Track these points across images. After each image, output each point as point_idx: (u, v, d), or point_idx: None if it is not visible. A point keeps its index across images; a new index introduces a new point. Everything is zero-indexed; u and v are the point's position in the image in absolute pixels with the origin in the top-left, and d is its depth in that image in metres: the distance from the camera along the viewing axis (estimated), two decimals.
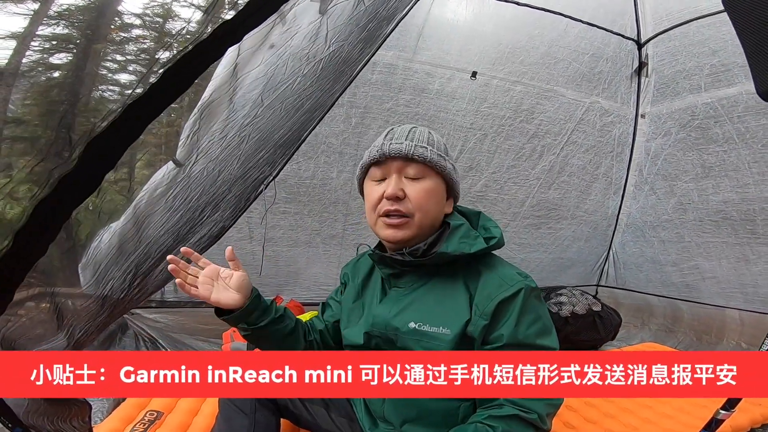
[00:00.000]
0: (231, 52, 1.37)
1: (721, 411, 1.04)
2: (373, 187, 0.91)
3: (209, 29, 0.71)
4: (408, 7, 1.55)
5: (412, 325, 0.87)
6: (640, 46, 2.28)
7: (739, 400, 1.04)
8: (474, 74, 2.12)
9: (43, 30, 0.84)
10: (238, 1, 0.73)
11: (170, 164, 1.50)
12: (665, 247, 2.52)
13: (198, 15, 0.81)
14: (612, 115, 2.42)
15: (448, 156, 0.93)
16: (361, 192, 0.99)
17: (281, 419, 1.04)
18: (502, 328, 0.82)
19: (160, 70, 0.69)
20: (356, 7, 1.42)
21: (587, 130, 2.42)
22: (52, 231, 0.67)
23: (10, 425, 0.77)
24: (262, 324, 0.94)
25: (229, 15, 0.73)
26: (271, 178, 1.97)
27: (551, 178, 2.52)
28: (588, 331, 2.27)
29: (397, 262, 0.90)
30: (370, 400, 0.99)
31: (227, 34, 0.72)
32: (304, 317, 1.91)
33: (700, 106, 2.16)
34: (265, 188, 1.97)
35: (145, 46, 0.88)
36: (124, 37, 0.87)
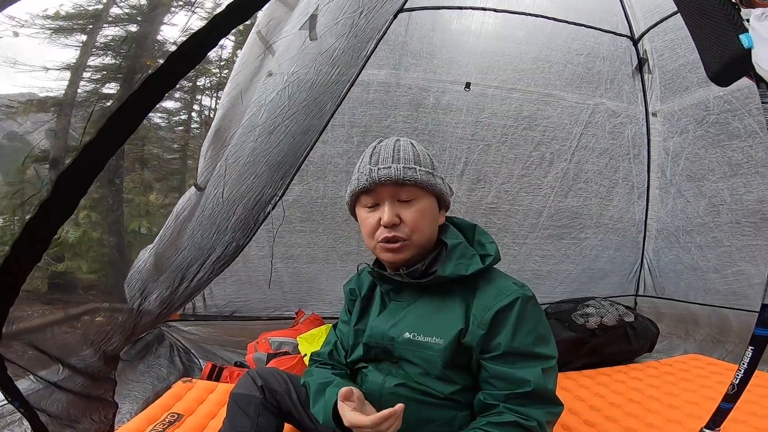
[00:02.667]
0: (232, 80, 1.57)
1: (705, 430, 0.98)
2: (367, 215, 0.91)
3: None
4: (383, 30, 1.66)
5: (406, 335, 0.89)
6: (635, 42, 2.17)
7: (724, 418, 0.97)
8: (468, 85, 2.16)
9: (93, 60, 0.91)
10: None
11: (193, 188, 1.71)
12: (703, 253, 2.31)
13: (230, 44, 0.86)
14: (621, 115, 2.30)
15: (435, 169, 0.92)
16: (353, 215, 0.99)
17: (285, 423, 1.07)
18: (500, 336, 0.83)
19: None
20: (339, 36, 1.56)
21: (597, 134, 2.32)
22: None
23: (9, 399, 0.91)
24: None
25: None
26: (278, 198, 2.15)
27: (566, 186, 2.43)
28: (619, 343, 2.13)
29: (396, 281, 0.92)
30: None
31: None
32: (320, 331, 2.00)
33: (712, 100, 2.00)
34: (273, 208, 2.15)
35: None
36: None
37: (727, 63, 0.90)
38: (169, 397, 1.45)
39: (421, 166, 0.88)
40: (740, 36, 0.85)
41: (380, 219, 0.87)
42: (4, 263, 0.69)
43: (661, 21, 2.02)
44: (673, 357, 2.13)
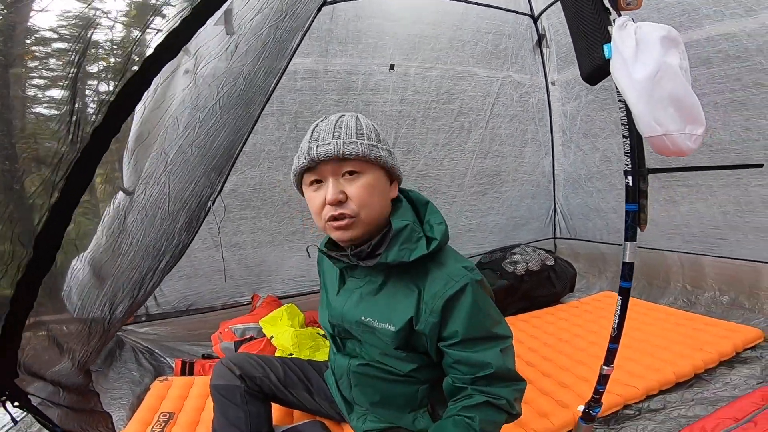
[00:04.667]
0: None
1: (604, 366, 1.16)
2: (312, 194, 0.87)
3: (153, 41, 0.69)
4: (308, 23, 1.67)
5: (362, 318, 0.91)
6: (534, 20, 2.40)
7: (614, 356, 1.15)
8: (392, 67, 2.26)
9: None
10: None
11: (120, 194, 1.66)
12: (603, 196, 2.69)
13: (119, 25, 0.76)
14: (525, 86, 2.56)
15: (381, 141, 0.87)
16: (303, 195, 0.95)
17: (272, 402, 1.14)
18: (456, 324, 0.83)
19: (115, 90, 0.72)
20: (258, 32, 1.55)
21: (506, 102, 2.58)
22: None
23: (51, 425, 0.90)
24: None
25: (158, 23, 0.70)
26: (216, 194, 2.15)
27: (485, 149, 2.69)
28: (544, 286, 2.37)
29: (345, 262, 0.91)
30: (342, 387, 1.06)
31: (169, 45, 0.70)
32: (280, 312, 2.02)
33: None
34: (213, 204, 2.16)
35: (69, 60, 0.80)
36: (45, 52, 0.78)
37: (594, 69, 0.99)
38: (153, 398, 1.47)
39: (363, 139, 0.83)
40: (604, 46, 0.93)
41: (325, 198, 0.83)
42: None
43: (556, 1, 2.22)
44: (590, 295, 2.46)
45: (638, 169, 1.09)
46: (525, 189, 2.96)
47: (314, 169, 0.84)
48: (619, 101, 1.02)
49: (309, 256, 1.05)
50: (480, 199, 2.87)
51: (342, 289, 0.98)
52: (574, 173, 2.85)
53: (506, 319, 2.06)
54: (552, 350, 1.72)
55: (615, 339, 1.12)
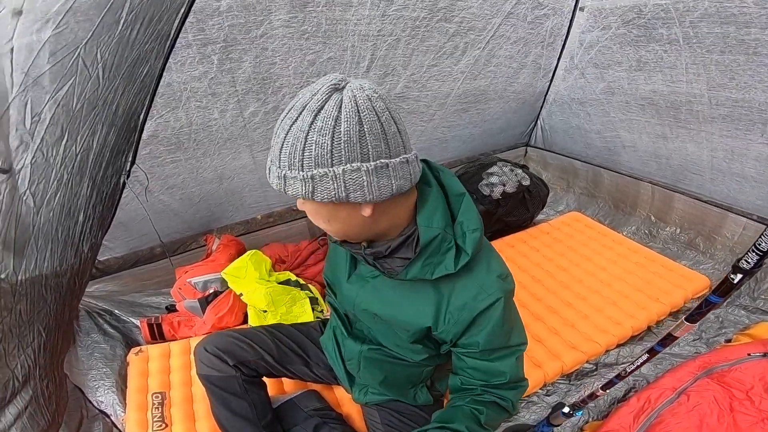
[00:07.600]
0: None
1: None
2: None
3: None
4: None
5: (377, 313, 0.86)
6: None
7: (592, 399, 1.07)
8: None
9: None
10: None
11: None
12: (590, 119, 2.46)
13: None
14: (546, 7, 1.91)
15: (347, 155, 0.58)
16: None
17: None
18: (478, 336, 0.78)
19: None
20: None
21: (516, 23, 1.96)
22: None
23: None
24: None
25: None
26: (130, 165, 1.63)
27: (477, 70, 2.18)
28: (518, 209, 2.31)
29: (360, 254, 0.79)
30: (349, 367, 1.04)
31: None
32: (244, 261, 1.84)
33: (650, 6, 1.74)
34: (128, 177, 1.67)
35: None
36: None
37: None
38: (137, 377, 1.41)
39: (303, 169, 0.59)
40: None
41: None
42: None
43: None
44: (559, 215, 2.45)
45: (754, 270, 0.86)
46: (509, 106, 2.60)
47: None
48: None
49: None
50: (461, 116, 2.51)
51: (354, 274, 0.88)
52: (567, 96, 2.48)
53: None
54: (527, 293, 1.72)
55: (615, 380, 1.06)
